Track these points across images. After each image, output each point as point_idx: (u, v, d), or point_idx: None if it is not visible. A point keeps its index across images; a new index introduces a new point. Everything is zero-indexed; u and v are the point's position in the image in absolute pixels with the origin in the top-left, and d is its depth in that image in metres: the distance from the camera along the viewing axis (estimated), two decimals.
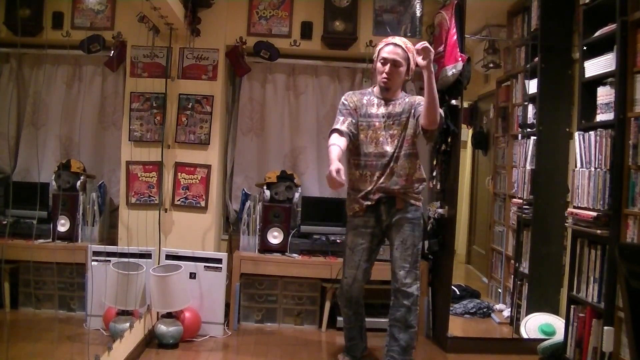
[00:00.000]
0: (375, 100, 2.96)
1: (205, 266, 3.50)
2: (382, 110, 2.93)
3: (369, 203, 2.91)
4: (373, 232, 2.95)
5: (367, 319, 3.17)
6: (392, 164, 2.89)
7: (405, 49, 2.85)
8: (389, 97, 2.95)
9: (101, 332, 3.11)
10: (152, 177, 3.65)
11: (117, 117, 3.76)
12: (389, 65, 2.86)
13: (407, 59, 2.87)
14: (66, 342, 2.90)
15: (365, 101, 2.97)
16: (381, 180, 2.89)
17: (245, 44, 3.82)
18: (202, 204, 3.71)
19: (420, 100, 2.87)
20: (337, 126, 2.89)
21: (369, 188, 2.91)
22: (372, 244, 2.96)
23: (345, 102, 2.98)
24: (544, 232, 3.56)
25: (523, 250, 3.68)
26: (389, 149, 2.89)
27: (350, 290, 2.97)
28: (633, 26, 2.65)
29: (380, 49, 2.90)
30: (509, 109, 4.12)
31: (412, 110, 2.89)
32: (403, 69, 2.87)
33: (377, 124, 2.92)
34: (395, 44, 2.85)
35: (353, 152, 2.97)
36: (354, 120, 2.92)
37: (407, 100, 2.94)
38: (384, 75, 2.87)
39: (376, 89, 2.99)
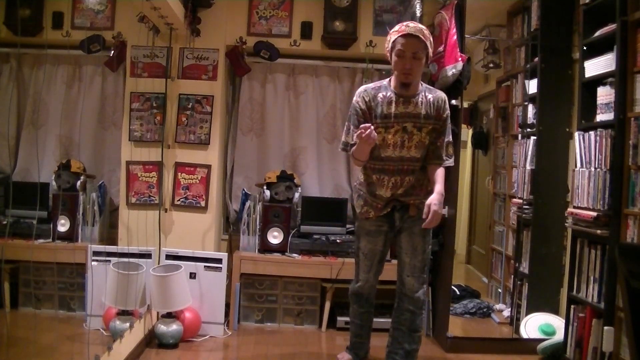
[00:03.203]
0: (393, 97, 2.72)
1: (205, 266, 3.50)
2: (400, 109, 2.70)
3: (385, 212, 2.84)
4: (386, 237, 2.90)
5: None
6: (411, 176, 2.78)
7: (423, 38, 2.60)
8: (408, 93, 2.72)
9: (101, 332, 3.10)
10: (152, 177, 3.65)
11: (117, 117, 3.76)
12: (409, 59, 2.61)
13: (426, 48, 2.63)
14: (66, 342, 2.90)
15: (380, 98, 2.73)
16: (400, 190, 2.79)
17: (245, 44, 3.82)
18: (202, 204, 3.71)
19: (445, 109, 2.75)
20: (352, 141, 2.74)
21: (385, 194, 2.80)
22: (385, 248, 2.94)
23: (357, 106, 2.76)
24: (544, 232, 3.56)
25: (523, 250, 3.68)
26: (407, 153, 2.74)
27: (362, 289, 2.98)
28: (633, 26, 2.65)
29: (394, 41, 2.63)
30: (509, 109, 4.12)
31: (437, 121, 2.74)
32: (423, 60, 2.66)
33: (395, 125, 2.71)
34: (411, 35, 2.59)
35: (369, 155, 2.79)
36: None
37: (429, 97, 2.74)
38: (405, 71, 2.64)
39: (393, 82, 2.75)
